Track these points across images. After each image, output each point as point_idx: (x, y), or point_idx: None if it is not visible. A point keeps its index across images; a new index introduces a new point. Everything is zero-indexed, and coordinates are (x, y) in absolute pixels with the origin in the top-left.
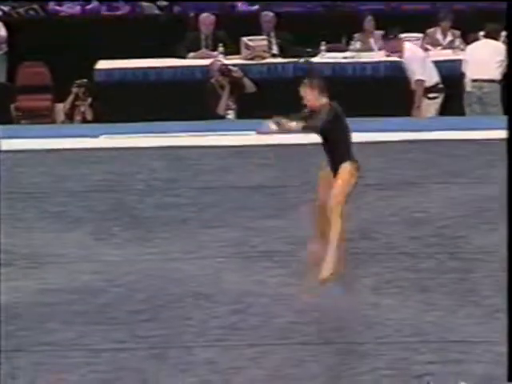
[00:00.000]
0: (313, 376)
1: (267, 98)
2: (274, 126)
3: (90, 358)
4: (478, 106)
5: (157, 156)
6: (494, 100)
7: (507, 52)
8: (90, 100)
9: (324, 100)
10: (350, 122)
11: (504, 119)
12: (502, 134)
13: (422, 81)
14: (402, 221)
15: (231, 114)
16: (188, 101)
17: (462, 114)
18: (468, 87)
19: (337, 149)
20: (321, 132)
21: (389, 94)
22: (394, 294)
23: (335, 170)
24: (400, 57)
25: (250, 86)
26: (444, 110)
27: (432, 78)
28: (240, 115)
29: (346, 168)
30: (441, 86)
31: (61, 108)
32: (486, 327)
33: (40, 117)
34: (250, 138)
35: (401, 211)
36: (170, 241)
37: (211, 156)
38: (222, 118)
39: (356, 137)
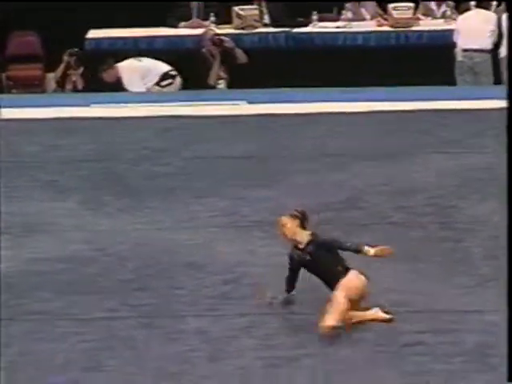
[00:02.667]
0: (304, 345)
1: (258, 68)
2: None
3: (81, 328)
4: (469, 76)
5: (147, 125)
6: (485, 70)
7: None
8: (81, 69)
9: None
10: (341, 91)
11: (495, 89)
12: (494, 103)
13: None
14: (393, 190)
15: (222, 84)
16: (179, 70)
17: (454, 83)
18: (459, 57)
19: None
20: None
21: (380, 63)
22: (384, 264)
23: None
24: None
25: (241, 57)
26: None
27: None
28: (231, 85)
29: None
30: None
31: (52, 77)
32: (476, 296)
33: (31, 86)
34: (240, 108)
35: (391, 181)
36: (160, 210)
37: (202, 126)
38: (213, 87)
39: (347, 106)
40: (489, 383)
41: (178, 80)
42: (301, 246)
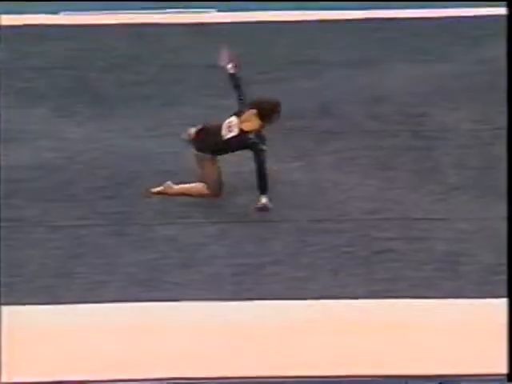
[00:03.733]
0: (273, 252)
1: None
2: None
3: (53, 234)
4: None
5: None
6: None
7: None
8: None
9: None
10: None
11: None
12: (465, 12)
13: None
14: (364, 99)
15: None
16: None
17: None
18: None
19: None
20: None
21: None
22: (355, 172)
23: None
24: None
25: None
26: None
27: None
28: None
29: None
30: None
31: None
32: (446, 204)
33: None
34: (210, 16)
35: (363, 89)
36: (131, 118)
37: (172, 34)
38: None
39: (319, 15)
40: (458, 290)
41: None
42: None
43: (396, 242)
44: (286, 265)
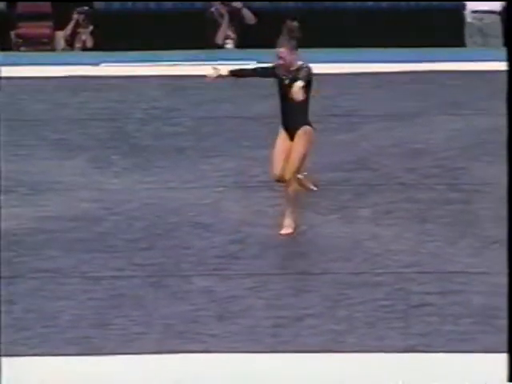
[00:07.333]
0: (310, 305)
1: (267, 28)
2: (211, 72)
3: (89, 286)
4: (478, 38)
5: (156, 85)
6: (494, 31)
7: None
8: (91, 28)
9: (300, 62)
10: (352, 52)
11: (505, 50)
12: (503, 65)
13: None
14: (402, 152)
15: (230, 44)
16: (188, 30)
17: (463, 45)
18: (469, 18)
19: (304, 110)
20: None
21: (390, 25)
22: (393, 225)
23: (294, 130)
24: None
25: (249, 18)
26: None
27: None
28: (239, 45)
29: (306, 130)
30: None
31: (61, 35)
32: (484, 258)
33: (40, 44)
34: None
35: (401, 142)
36: (168, 170)
37: (210, 86)
38: (221, 47)
39: (357, 67)
40: (495, 344)
41: None
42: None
43: (433, 296)
44: (324, 317)
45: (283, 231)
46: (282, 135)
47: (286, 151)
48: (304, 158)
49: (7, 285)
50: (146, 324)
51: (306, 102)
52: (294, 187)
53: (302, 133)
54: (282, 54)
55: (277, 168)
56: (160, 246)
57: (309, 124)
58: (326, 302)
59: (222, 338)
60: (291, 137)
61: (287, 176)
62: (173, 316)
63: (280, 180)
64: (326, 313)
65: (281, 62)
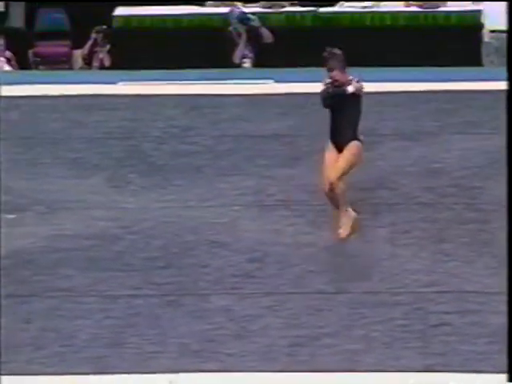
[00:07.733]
0: (328, 324)
1: (284, 47)
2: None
3: (105, 304)
4: (496, 57)
5: (173, 104)
6: None
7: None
8: (108, 46)
9: (350, 76)
10: (368, 71)
11: None
12: None
13: None
14: (419, 171)
15: (247, 63)
16: (205, 48)
17: (481, 64)
18: (486, 38)
19: (353, 125)
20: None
21: (407, 43)
22: (410, 245)
23: (342, 145)
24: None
25: (267, 36)
26: (462, 60)
27: None
28: (256, 64)
29: (355, 144)
30: None
31: (79, 54)
32: (501, 278)
33: (58, 63)
34: (266, 87)
35: (418, 161)
36: (185, 188)
37: (227, 104)
38: (238, 66)
39: (374, 87)
40: None
41: None
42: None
43: (451, 316)
44: (341, 337)
45: (342, 231)
46: (331, 148)
47: (335, 162)
48: (351, 166)
49: (24, 304)
50: (161, 343)
51: (355, 115)
52: (340, 187)
53: (352, 145)
54: (335, 77)
55: (328, 177)
56: (177, 264)
57: (357, 139)
58: (342, 321)
59: (239, 356)
60: (339, 151)
61: (332, 177)
62: (189, 335)
63: (331, 187)
64: (343, 332)
65: (335, 83)
